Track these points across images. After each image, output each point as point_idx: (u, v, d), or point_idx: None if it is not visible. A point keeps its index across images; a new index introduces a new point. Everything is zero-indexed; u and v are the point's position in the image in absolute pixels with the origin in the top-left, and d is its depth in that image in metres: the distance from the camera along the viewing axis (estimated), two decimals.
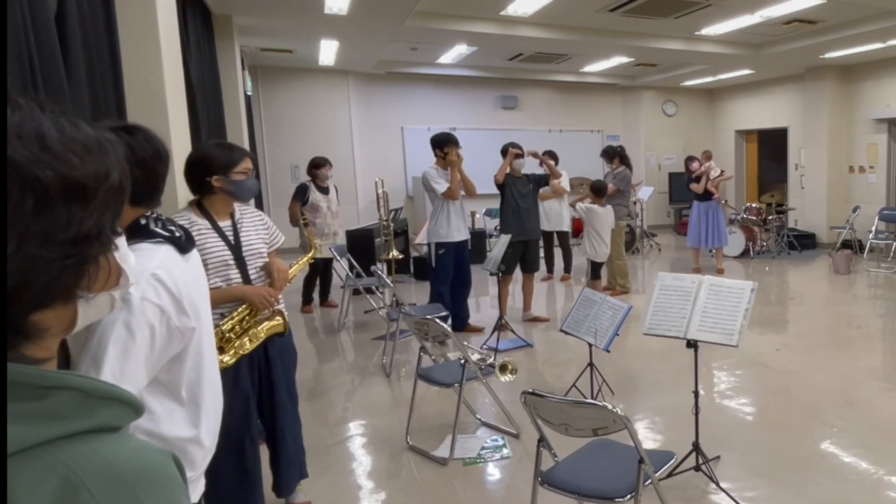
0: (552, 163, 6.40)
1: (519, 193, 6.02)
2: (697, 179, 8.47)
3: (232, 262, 2.52)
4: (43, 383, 0.54)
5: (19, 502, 0.50)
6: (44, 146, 0.54)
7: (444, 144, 5.59)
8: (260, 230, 2.63)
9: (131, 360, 1.34)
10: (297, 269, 2.81)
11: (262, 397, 2.73)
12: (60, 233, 0.55)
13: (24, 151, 0.53)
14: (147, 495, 0.55)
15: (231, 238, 2.54)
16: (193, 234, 2.56)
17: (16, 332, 0.56)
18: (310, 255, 3.05)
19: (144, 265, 1.39)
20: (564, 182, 8.07)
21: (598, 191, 6.64)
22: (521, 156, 6.01)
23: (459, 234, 5.75)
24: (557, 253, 8.38)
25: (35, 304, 0.56)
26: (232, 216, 2.57)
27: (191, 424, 1.52)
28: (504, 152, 6.01)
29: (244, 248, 2.55)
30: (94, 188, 0.58)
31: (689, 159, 8.71)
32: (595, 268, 6.61)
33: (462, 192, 5.75)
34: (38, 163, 0.53)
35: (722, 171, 8.94)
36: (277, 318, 2.60)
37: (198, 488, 1.57)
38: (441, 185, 5.55)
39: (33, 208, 0.53)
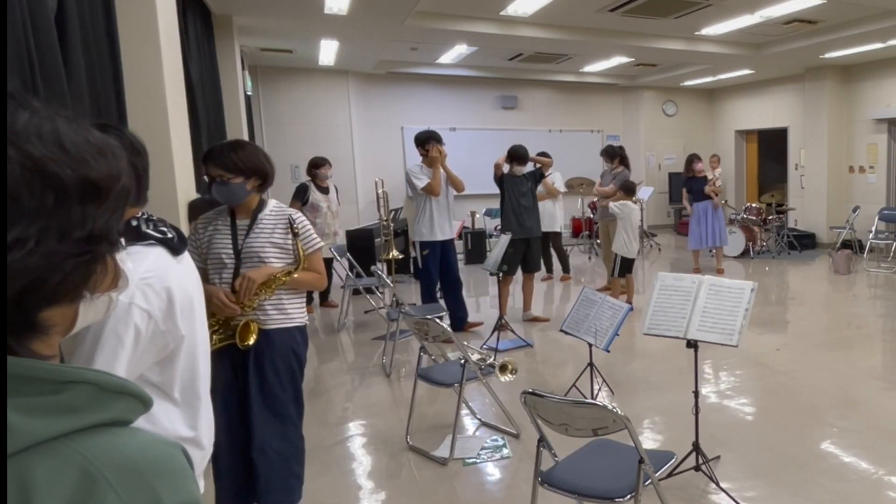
0: (542, 158, 6.44)
1: (519, 192, 6.04)
2: (705, 181, 8.57)
3: (230, 261, 2.49)
4: (59, 378, 0.55)
5: (40, 493, 0.51)
6: (62, 147, 0.57)
7: (426, 141, 5.59)
8: (277, 233, 2.53)
9: (118, 366, 1.34)
10: (272, 282, 2.50)
11: (237, 405, 2.57)
12: (76, 230, 0.58)
13: (45, 150, 0.55)
14: (162, 485, 0.57)
15: (241, 238, 2.51)
16: (210, 230, 2.56)
17: (29, 326, 0.58)
18: (296, 266, 2.55)
19: (134, 269, 1.38)
20: (559, 183, 8.07)
21: (629, 190, 6.80)
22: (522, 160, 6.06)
23: (443, 233, 5.74)
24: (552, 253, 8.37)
25: (48, 300, 0.59)
26: (255, 214, 2.53)
27: (188, 426, 1.51)
28: (510, 155, 6.05)
29: (243, 250, 2.50)
30: (107, 188, 0.61)
31: (695, 159, 8.68)
32: (625, 264, 6.60)
33: (454, 193, 5.76)
34: (57, 161, 0.56)
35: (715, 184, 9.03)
36: (230, 331, 2.44)
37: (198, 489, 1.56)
38: (421, 181, 5.56)
39: (53, 204, 0.55)
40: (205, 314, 1.61)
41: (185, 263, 1.55)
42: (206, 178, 2.47)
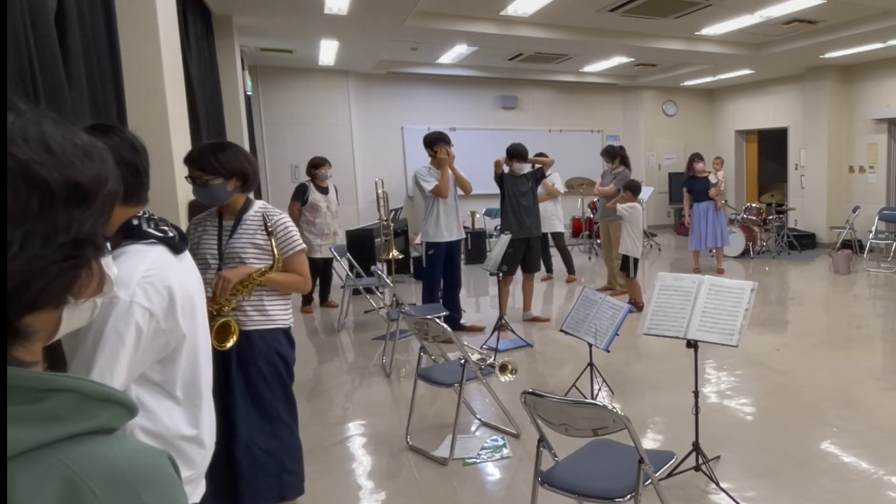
0: (542, 159, 6.42)
1: (519, 192, 6.03)
2: (706, 181, 8.54)
3: (214, 262, 2.50)
4: (41, 386, 0.54)
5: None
6: (48, 149, 0.56)
7: (434, 143, 5.61)
8: (260, 235, 2.53)
9: (119, 365, 1.34)
10: (249, 282, 2.49)
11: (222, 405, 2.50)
12: (61, 234, 0.56)
13: (30, 153, 0.54)
14: (148, 494, 0.56)
15: (225, 239, 2.52)
16: (199, 231, 2.57)
17: (11, 333, 0.57)
18: (271, 266, 2.52)
19: (136, 267, 1.38)
20: (559, 183, 8.07)
21: (634, 189, 6.77)
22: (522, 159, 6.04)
23: (450, 234, 5.75)
24: (554, 253, 8.36)
25: (31, 306, 0.57)
26: (239, 215, 2.53)
27: (190, 424, 1.51)
28: (510, 153, 6.03)
29: (225, 251, 2.51)
30: (94, 192, 0.59)
31: (696, 159, 8.65)
32: (636, 264, 6.62)
33: (460, 192, 5.76)
34: (43, 164, 0.55)
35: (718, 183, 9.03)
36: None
37: (198, 489, 1.56)
38: (430, 183, 5.57)
39: (38, 208, 0.54)
40: (206, 313, 1.61)
41: (186, 262, 1.55)
42: (186, 179, 2.46)
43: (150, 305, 1.37)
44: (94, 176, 0.59)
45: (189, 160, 2.43)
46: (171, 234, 1.50)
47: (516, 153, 6.01)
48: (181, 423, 1.49)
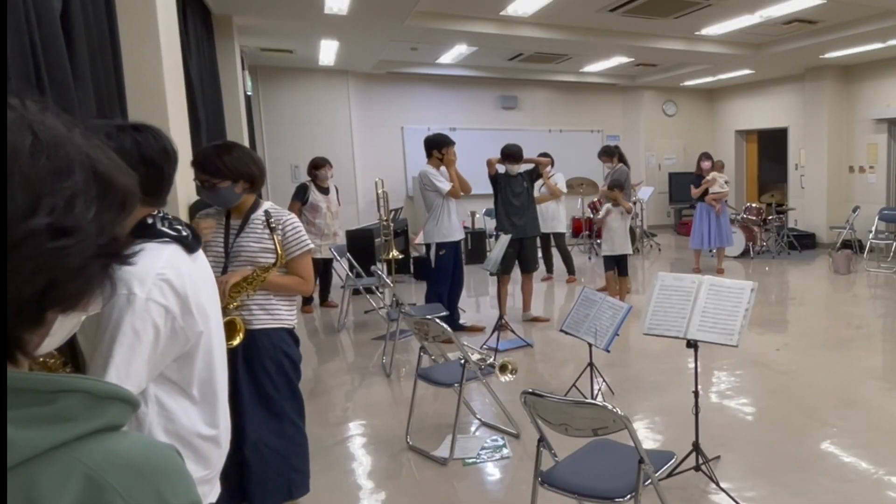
0: (538, 159, 6.39)
1: (512, 192, 6.02)
2: (701, 178, 8.45)
3: (220, 259, 2.52)
4: (51, 388, 0.55)
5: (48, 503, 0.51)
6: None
7: (442, 145, 5.60)
8: (267, 234, 2.54)
9: (136, 362, 1.34)
10: (246, 285, 2.48)
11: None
12: (108, 229, 0.60)
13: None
14: (165, 486, 0.58)
15: (232, 237, 2.53)
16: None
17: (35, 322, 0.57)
18: (275, 263, 2.51)
19: (150, 265, 1.38)
20: (561, 183, 8.07)
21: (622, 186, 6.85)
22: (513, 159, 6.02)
23: (458, 233, 5.78)
24: (554, 253, 8.35)
25: (58, 302, 0.59)
26: (247, 215, 2.54)
27: (207, 424, 1.51)
28: (502, 154, 6.01)
29: (232, 250, 2.52)
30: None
31: (703, 158, 8.59)
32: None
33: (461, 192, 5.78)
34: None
35: (724, 183, 8.83)
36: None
37: (214, 489, 1.56)
38: (445, 185, 5.57)
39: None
40: (220, 312, 1.61)
41: (200, 262, 1.56)
42: (194, 181, 2.47)
43: (166, 303, 1.38)
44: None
45: (196, 164, 2.43)
46: (184, 234, 1.50)
47: (510, 154, 5.98)
48: (198, 423, 1.49)
